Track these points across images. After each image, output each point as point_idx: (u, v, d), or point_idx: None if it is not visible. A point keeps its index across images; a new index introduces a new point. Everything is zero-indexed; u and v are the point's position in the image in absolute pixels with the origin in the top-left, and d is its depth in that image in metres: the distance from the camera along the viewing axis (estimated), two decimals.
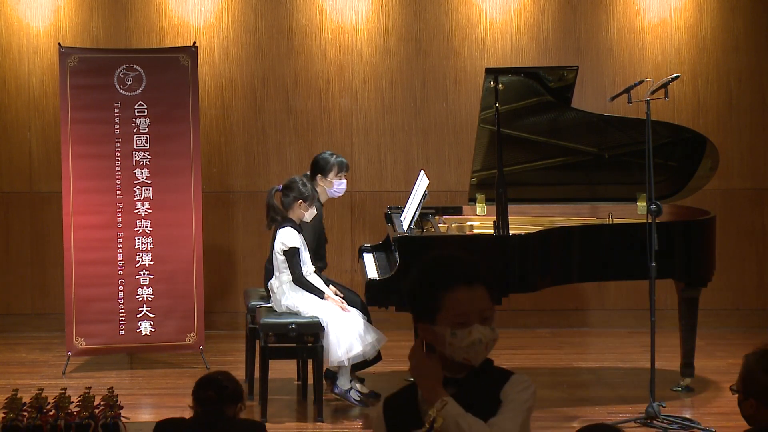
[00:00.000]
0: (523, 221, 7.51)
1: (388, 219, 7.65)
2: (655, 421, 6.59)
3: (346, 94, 9.34)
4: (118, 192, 7.99)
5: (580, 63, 8.84)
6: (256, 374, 7.12)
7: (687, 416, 6.77)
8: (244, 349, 7.55)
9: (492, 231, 6.87)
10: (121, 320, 7.99)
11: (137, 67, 8.01)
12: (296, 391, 7.43)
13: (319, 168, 7.43)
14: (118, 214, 7.98)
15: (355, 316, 6.94)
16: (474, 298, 2.87)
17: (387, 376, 7.35)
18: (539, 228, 7.06)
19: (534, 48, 9.32)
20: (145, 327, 8.02)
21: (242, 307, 8.01)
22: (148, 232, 8.02)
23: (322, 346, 6.81)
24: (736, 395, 3.40)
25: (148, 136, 8.00)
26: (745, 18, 9.37)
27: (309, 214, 7.10)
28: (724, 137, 9.20)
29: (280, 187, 7.11)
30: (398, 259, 6.63)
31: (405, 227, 7.02)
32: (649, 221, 6.60)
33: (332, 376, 7.09)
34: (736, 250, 9.35)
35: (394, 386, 3.13)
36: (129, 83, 8.00)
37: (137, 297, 8.01)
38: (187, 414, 4.27)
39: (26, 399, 5.99)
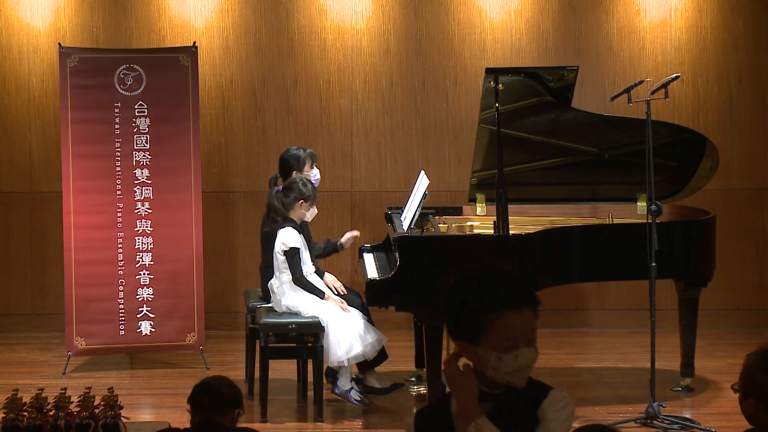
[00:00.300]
0: (523, 221, 7.51)
1: (388, 219, 7.65)
2: (655, 421, 6.59)
3: (346, 94, 9.34)
4: (118, 192, 7.99)
5: (580, 63, 8.84)
6: (256, 374, 7.12)
7: (687, 416, 6.77)
8: (244, 349, 7.55)
9: (492, 231, 6.87)
10: (121, 320, 7.99)
11: (137, 67, 8.01)
12: (296, 391, 7.43)
13: (290, 165, 7.41)
14: (118, 214, 7.99)
15: (355, 316, 6.94)
16: (523, 323, 2.75)
17: (387, 376, 7.34)
18: (539, 228, 7.05)
19: (534, 48, 9.33)
20: (145, 327, 8.03)
21: (242, 307, 8.01)
22: (148, 232, 8.02)
23: (322, 346, 6.81)
24: (737, 394, 3.40)
25: (148, 136, 8.00)
26: (745, 18, 9.37)
27: (310, 214, 7.11)
28: (724, 137, 9.20)
29: (281, 188, 7.12)
30: (398, 259, 6.62)
31: (405, 227, 7.02)
32: (649, 221, 6.60)
33: (333, 374, 7.09)
34: (736, 250, 9.35)
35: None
36: (129, 83, 8.00)
37: (137, 297, 8.01)
38: (187, 415, 4.26)
39: (26, 399, 5.98)
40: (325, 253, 7.53)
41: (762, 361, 3.32)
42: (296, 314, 6.92)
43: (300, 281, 6.94)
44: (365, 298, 6.76)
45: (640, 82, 7.01)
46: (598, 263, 7.01)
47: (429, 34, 9.31)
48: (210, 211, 9.03)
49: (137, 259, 8.00)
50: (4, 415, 5.87)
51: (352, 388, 7.04)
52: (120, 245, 7.99)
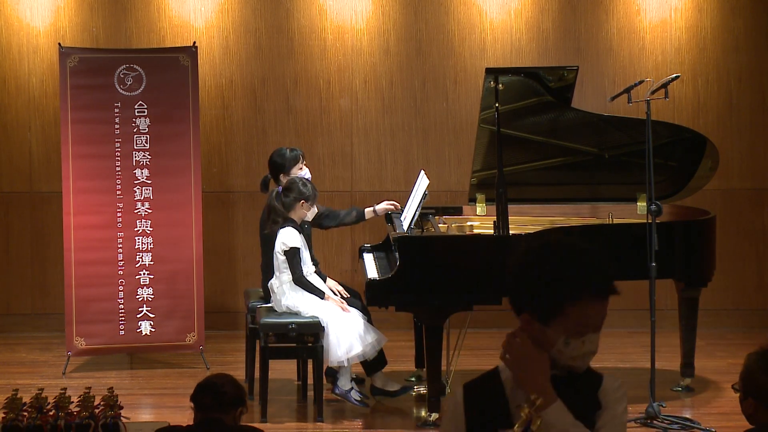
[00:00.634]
0: (523, 221, 7.51)
1: (388, 219, 7.65)
2: (655, 421, 6.59)
3: (346, 94, 9.34)
4: (118, 192, 7.99)
5: (580, 63, 8.84)
6: (256, 374, 7.12)
7: (687, 416, 6.77)
8: (244, 349, 7.55)
9: (492, 231, 6.87)
10: (121, 320, 7.99)
11: (137, 67, 8.01)
12: (296, 391, 7.43)
13: (280, 166, 7.39)
14: (118, 214, 7.99)
15: (355, 317, 6.94)
16: (599, 311, 2.67)
17: (386, 376, 7.33)
18: (539, 228, 7.05)
19: (534, 48, 9.32)
20: (145, 327, 8.03)
21: (242, 307, 8.01)
22: (148, 232, 8.02)
23: (322, 346, 6.81)
24: (738, 394, 3.41)
25: (148, 136, 8.00)
26: (745, 18, 9.37)
27: (311, 214, 7.11)
28: (724, 137, 9.20)
29: (280, 189, 7.12)
30: (398, 259, 6.63)
31: (405, 227, 7.02)
32: (649, 221, 6.60)
33: (333, 374, 7.09)
34: (736, 250, 9.35)
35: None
36: (129, 83, 8.00)
37: (137, 297, 8.01)
38: (188, 414, 4.25)
39: (26, 399, 5.99)
40: (355, 220, 7.58)
41: (762, 361, 3.33)
42: (296, 314, 6.92)
43: (300, 281, 6.94)
44: (365, 298, 6.76)
45: (640, 82, 7.01)
46: None
47: (429, 34, 9.31)
48: (210, 211, 9.03)
49: (137, 259, 8.00)
50: (4, 415, 5.88)
51: (352, 388, 7.05)
52: (120, 245, 7.99)
